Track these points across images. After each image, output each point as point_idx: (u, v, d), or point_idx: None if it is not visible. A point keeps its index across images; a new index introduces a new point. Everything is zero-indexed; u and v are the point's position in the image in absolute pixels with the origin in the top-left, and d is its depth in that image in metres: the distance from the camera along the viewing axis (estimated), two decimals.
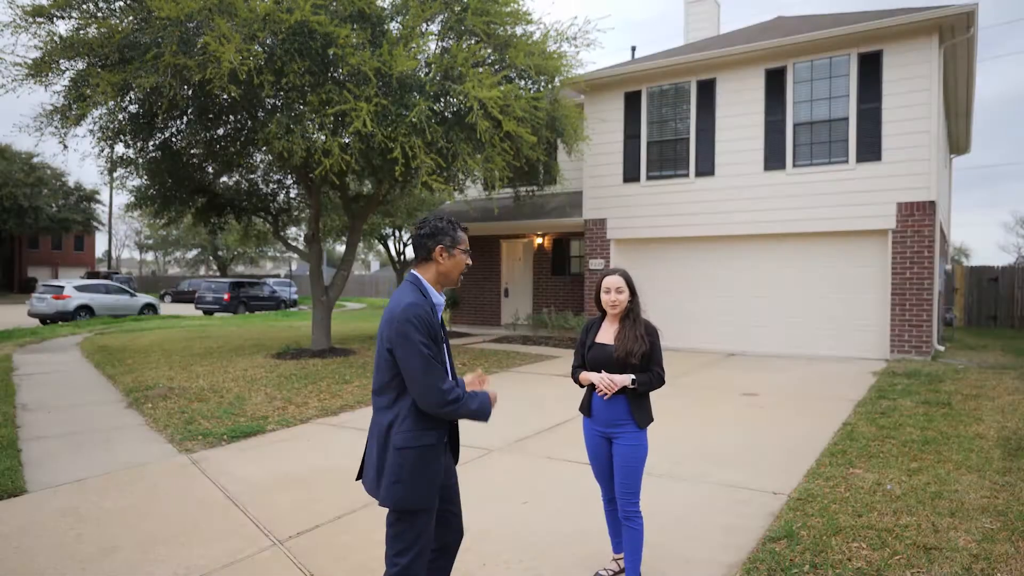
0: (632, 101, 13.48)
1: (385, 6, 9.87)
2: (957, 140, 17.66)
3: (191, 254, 53.62)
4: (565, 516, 4.27)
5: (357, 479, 2.70)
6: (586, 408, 3.38)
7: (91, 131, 10.48)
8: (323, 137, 9.18)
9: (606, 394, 3.21)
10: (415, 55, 9.28)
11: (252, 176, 13.72)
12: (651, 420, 3.29)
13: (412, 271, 2.58)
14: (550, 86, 11.15)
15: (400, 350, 2.39)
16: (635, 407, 3.23)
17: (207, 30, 8.50)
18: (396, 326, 2.40)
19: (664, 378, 3.30)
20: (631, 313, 3.32)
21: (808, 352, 11.76)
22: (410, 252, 40.77)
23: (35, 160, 38.81)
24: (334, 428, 6.69)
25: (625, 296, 3.30)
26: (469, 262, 2.68)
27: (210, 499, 4.64)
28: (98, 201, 43.24)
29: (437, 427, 2.51)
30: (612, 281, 3.31)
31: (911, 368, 9.71)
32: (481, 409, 2.53)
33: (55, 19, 9.28)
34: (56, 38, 9.20)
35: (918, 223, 10.78)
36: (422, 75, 9.61)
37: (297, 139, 8.75)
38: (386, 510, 2.53)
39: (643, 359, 3.23)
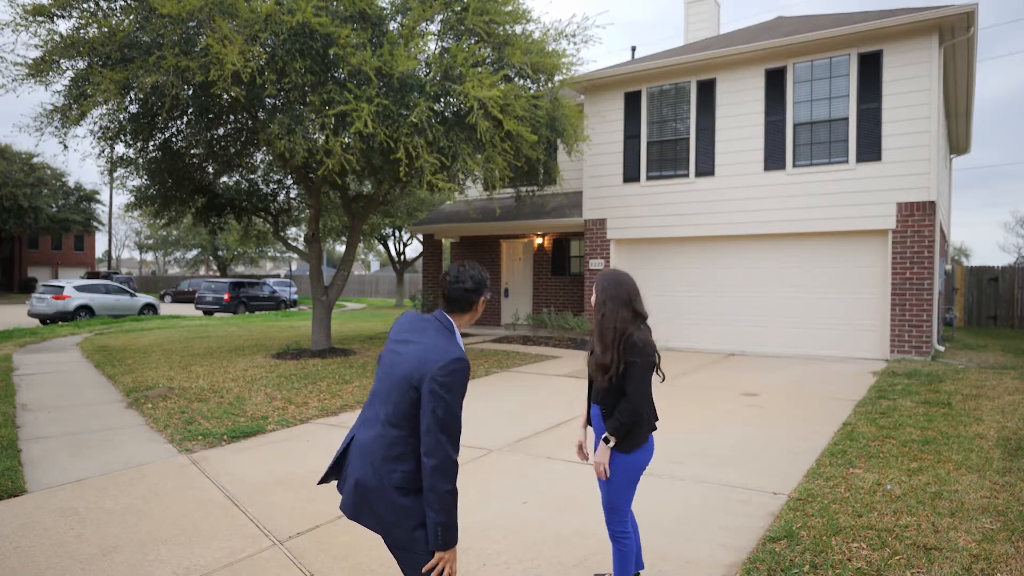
0: (632, 101, 13.48)
1: (385, 6, 9.88)
2: (957, 140, 17.66)
3: (191, 254, 53.62)
4: (565, 516, 4.26)
5: (321, 482, 2.63)
6: (589, 421, 3.26)
7: (91, 131, 10.50)
8: (324, 137, 9.19)
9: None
10: (415, 55, 9.28)
11: (252, 176, 13.73)
12: (635, 445, 2.97)
13: (448, 317, 2.54)
14: (549, 85, 11.16)
15: (434, 400, 2.30)
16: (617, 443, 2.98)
17: (208, 31, 8.50)
18: (440, 376, 2.31)
19: (635, 409, 2.89)
20: (599, 325, 2.99)
21: (808, 352, 11.76)
22: (410, 252, 40.76)
23: (35, 160, 38.84)
24: (334, 428, 6.69)
25: (595, 300, 3.03)
26: None
27: (210, 499, 4.64)
28: (98, 201, 43.26)
29: None
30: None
31: (911, 368, 9.71)
32: (451, 520, 2.30)
33: (56, 18, 9.28)
34: (57, 37, 9.21)
35: (918, 223, 10.78)
36: (422, 75, 9.62)
37: (299, 139, 8.75)
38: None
39: (620, 385, 2.93)
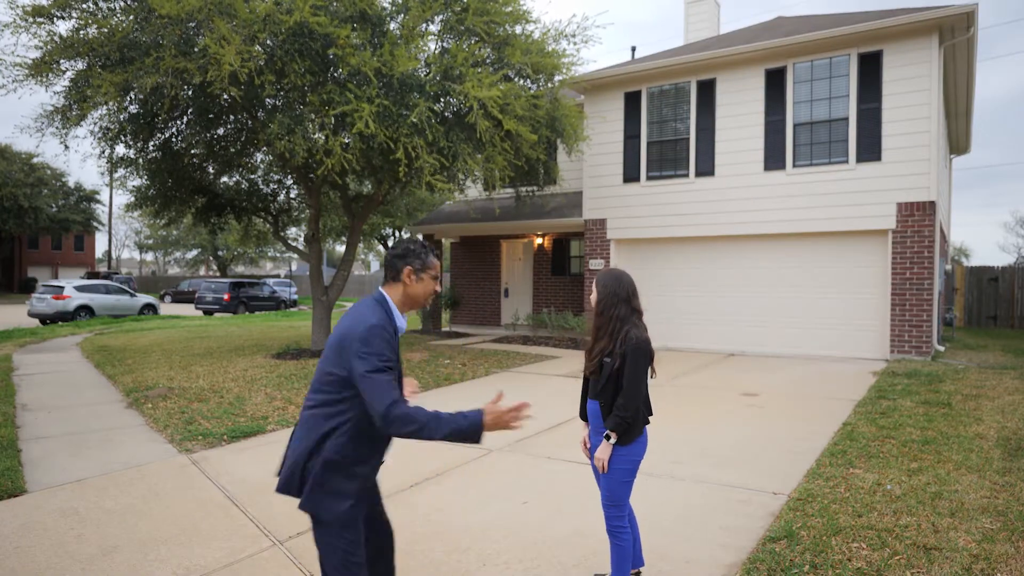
0: (632, 101, 13.47)
1: (386, 6, 9.88)
2: (957, 140, 17.65)
3: (191, 254, 53.62)
4: (565, 516, 4.27)
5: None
6: (583, 415, 3.33)
7: (91, 132, 10.50)
8: (324, 137, 9.19)
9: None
10: (415, 55, 9.28)
11: (252, 176, 13.73)
12: (633, 438, 3.04)
13: (380, 289, 2.53)
14: (549, 85, 11.16)
15: (359, 367, 2.28)
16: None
17: (207, 31, 8.50)
18: (356, 346, 2.30)
19: (632, 404, 2.98)
20: (597, 320, 3.11)
21: (808, 352, 11.76)
22: None
23: (35, 160, 38.86)
24: None
25: (593, 299, 3.16)
26: (438, 288, 2.60)
27: (210, 499, 4.64)
28: (98, 201, 43.28)
29: (371, 458, 2.45)
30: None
31: (911, 368, 9.71)
32: (452, 432, 2.27)
33: (55, 19, 9.28)
34: (56, 38, 9.20)
35: (918, 223, 10.78)
36: (422, 75, 9.62)
37: (299, 139, 8.75)
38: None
39: (616, 380, 3.01)
